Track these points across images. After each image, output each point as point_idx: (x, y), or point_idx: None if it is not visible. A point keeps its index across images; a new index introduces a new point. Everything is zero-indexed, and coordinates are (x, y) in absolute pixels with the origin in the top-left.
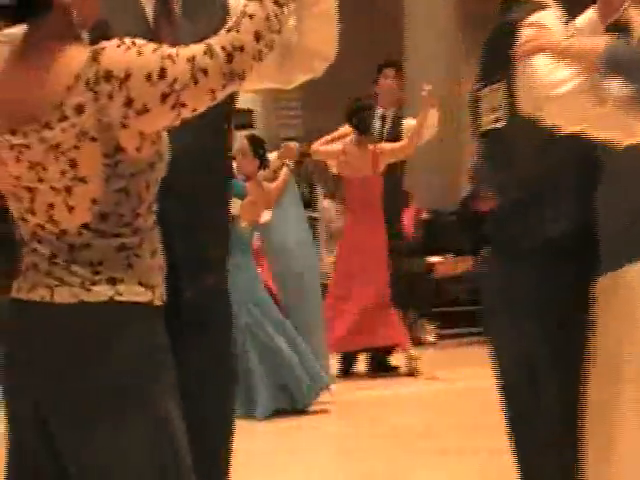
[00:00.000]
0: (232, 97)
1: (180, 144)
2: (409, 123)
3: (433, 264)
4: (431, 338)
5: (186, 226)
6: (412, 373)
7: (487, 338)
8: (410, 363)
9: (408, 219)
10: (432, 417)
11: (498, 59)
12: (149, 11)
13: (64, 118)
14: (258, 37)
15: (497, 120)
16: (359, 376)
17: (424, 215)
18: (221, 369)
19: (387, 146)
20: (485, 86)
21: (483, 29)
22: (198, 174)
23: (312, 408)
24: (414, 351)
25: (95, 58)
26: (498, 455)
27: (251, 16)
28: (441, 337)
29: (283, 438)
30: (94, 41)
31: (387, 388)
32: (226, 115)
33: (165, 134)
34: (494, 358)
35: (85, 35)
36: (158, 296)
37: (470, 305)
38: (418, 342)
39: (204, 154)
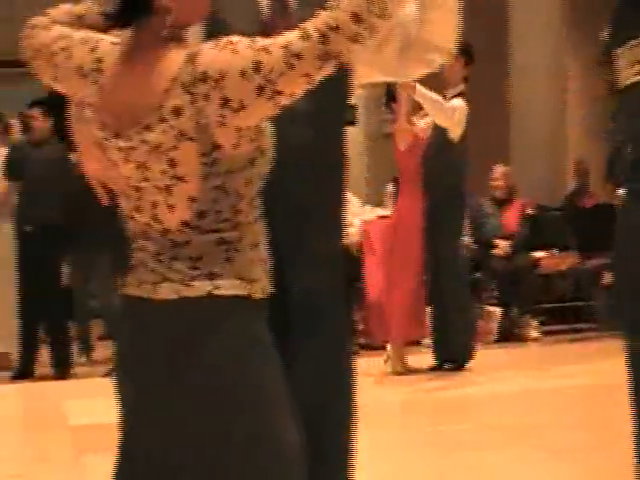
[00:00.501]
0: (349, 92)
1: (294, 138)
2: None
3: (538, 260)
4: (535, 334)
5: (297, 222)
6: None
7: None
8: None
9: (513, 214)
10: (534, 414)
11: (636, 16)
12: (264, 6)
13: (163, 120)
14: (356, 19)
15: (639, 73)
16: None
17: (529, 210)
18: (332, 371)
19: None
20: (620, 45)
21: (588, 23)
22: (312, 169)
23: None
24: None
25: (191, 61)
26: (603, 453)
27: None
28: (545, 333)
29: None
30: (210, 38)
31: (490, 384)
32: (343, 110)
33: (269, 129)
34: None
35: (199, 33)
36: (258, 289)
37: (575, 301)
38: (521, 338)
39: (319, 149)
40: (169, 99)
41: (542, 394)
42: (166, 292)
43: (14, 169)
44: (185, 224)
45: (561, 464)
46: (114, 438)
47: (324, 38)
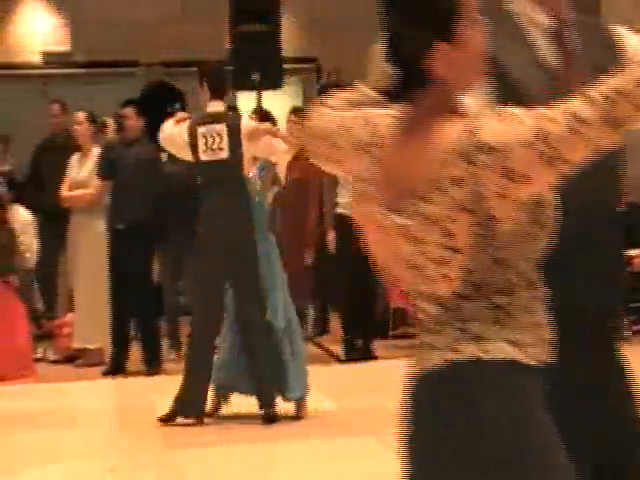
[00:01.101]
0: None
1: (576, 196)
2: None
3: (630, 258)
4: (626, 333)
5: (594, 278)
6: None
7: None
8: None
9: None
10: None
11: None
12: (547, 53)
13: (440, 191)
14: None
15: None
16: None
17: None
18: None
19: None
20: None
21: None
22: (595, 228)
23: None
24: None
25: (471, 131)
26: None
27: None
28: (636, 332)
29: None
30: (492, 93)
31: None
32: (620, 164)
33: (552, 201)
34: None
35: (481, 88)
36: (530, 355)
37: None
38: None
39: (604, 206)
40: (447, 170)
41: None
42: (434, 359)
43: (107, 168)
44: (457, 294)
45: None
46: (202, 434)
47: (611, 102)
